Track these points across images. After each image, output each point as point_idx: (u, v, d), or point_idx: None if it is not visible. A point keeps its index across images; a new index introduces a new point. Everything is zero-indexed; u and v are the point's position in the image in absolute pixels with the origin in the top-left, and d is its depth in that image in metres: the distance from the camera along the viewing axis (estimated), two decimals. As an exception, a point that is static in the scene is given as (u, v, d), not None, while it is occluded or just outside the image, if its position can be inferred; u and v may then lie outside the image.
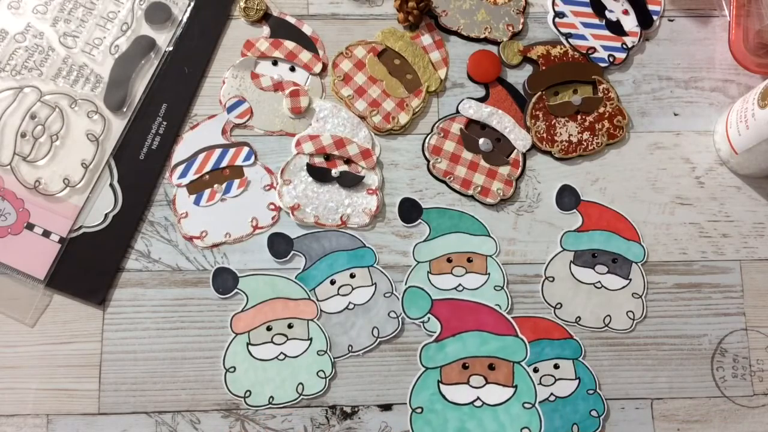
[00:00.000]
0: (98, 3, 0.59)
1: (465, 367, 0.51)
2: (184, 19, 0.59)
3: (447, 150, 0.57)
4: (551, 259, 0.56)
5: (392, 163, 0.57)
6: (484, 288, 0.54)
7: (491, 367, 0.51)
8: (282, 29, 0.60)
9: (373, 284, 0.54)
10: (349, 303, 0.54)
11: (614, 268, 0.56)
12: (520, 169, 0.57)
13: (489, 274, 0.55)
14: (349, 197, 0.56)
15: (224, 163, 0.56)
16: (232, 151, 0.57)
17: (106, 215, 0.55)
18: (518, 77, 0.60)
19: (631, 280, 0.56)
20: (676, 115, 0.60)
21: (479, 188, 0.57)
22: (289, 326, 0.53)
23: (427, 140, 0.58)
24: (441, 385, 0.51)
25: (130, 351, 0.53)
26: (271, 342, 0.53)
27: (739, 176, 0.59)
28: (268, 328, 0.53)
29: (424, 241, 0.55)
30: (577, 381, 0.53)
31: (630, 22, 0.61)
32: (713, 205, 0.58)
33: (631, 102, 0.60)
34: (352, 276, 0.54)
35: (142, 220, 0.55)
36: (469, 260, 0.55)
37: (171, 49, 0.58)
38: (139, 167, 0.56)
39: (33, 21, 0.58)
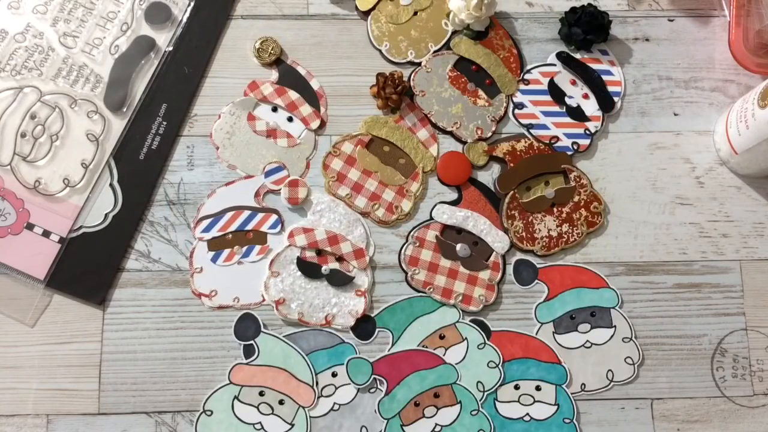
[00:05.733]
0: (98, 3, 0.59)
1: (417, 404, 0.53)
2: (184, 19, 0.59)
3: (424, 260, 0.55)
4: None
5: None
6: (468, 357, 0.53)
7: (436, 395, 0.53)
8: (290, 77, 0.59)
9: None
10: (334, 404, 0.52)
11: (596, 322, 0.55)
12: (500, 272, 0.56)
13: (466, 338, 0.54)
14: (337, 296, 0.54)
15: (250, 226, 0.55)
16: (260, 215, 0.55)
17: (106, 215, 0.55)
18: (489, 174, 0.58)
19: (615, 326, 0.55)
20: (676, 115, 0.60)
21: (461, 296, 0.55)
22: (281, 402, 0.52)
23: (402, 251, 0.56)
24: (404, 428, 0.52)
25: (130, 351, 0.53)
26: (257, 408, 0.52)
27: (739, 176, 0.59)
28: (261, 393, 0.52)
29: (392, 344, 0.54)
30: (556, 407, 0.53)
31: (591, 107, 0.59)
32: (713, 205, 0.58)
33: (631, 102, 0.60)
34: (334, 375, 0.53)
35: (142, 220, 0.55)
36: (442, 337, 0.54)
37: (171, 49, 0.58)
38: (139, 167, 0.56)
39: (33, 21, 0.58)
